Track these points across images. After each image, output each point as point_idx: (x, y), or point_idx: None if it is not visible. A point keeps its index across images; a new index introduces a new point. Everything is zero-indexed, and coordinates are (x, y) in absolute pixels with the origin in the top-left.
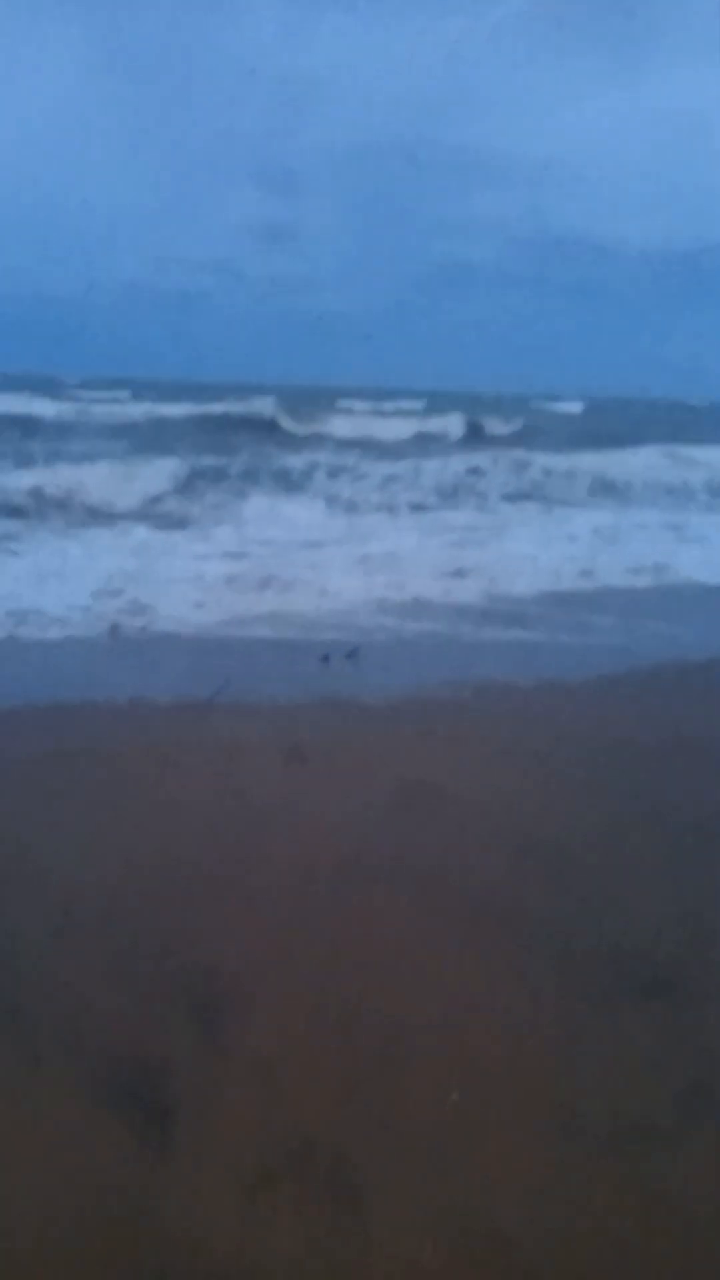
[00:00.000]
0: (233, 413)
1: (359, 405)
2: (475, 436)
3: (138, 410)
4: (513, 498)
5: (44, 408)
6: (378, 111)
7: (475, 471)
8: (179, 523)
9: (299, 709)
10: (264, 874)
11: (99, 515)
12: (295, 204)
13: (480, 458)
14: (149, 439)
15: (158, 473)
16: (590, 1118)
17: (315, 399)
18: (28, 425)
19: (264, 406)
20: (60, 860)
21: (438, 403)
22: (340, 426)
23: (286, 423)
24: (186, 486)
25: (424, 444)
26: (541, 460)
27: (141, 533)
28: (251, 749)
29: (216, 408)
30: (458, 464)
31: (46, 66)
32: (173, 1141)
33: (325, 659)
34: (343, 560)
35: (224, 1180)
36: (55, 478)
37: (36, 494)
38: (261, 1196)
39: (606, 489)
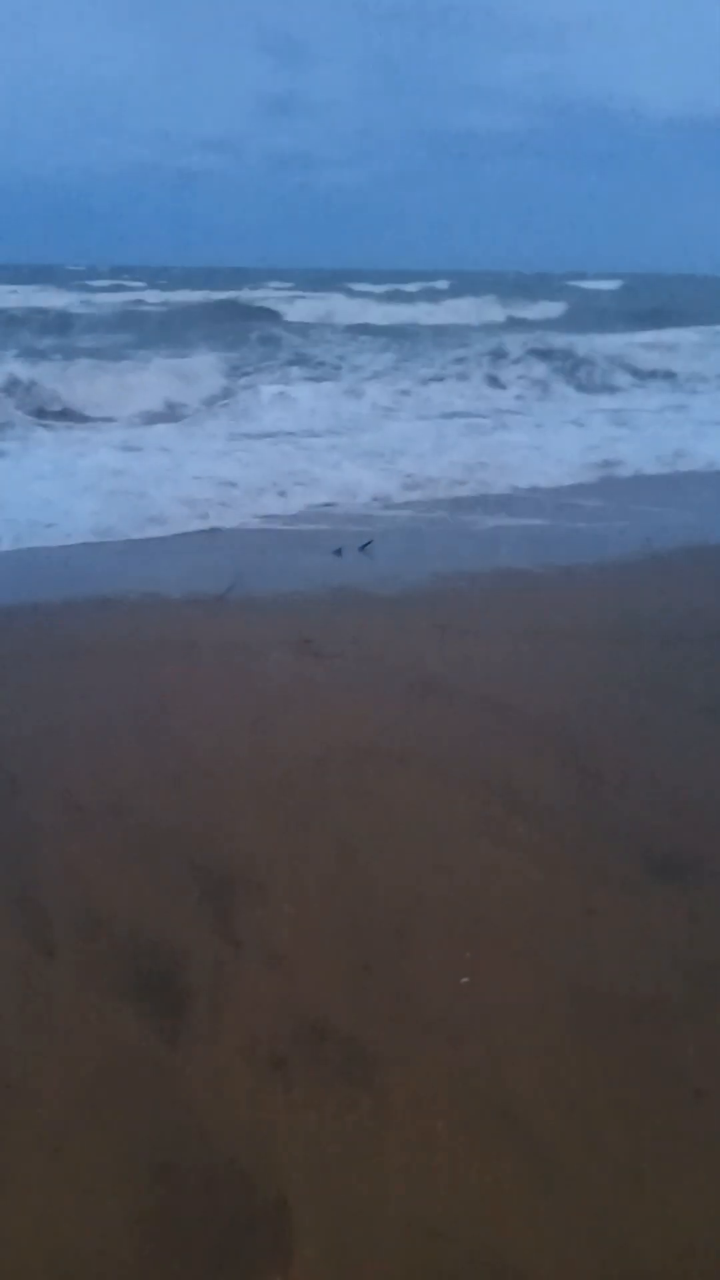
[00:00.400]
0: (241, 301)
1: (376, 289)
2: (511, 320)
3: (144, 299)
4: (547, 383)
5: (54, 299)
6: None
7: (506, 356)
8: (190, 418)
9: (311, 602)
10: (277, 764)
11: (87, 420)
12: (302, 72)
13: (514, 340)
14: (160, 333)
15: (160, 373)
16: (604, 994)
17: (328, 282)
18: (43, 319)
19: (272, 295)
20: (74, 753)
21: (465, 283)
22: (356, 311)
23: (297, 312)
24: (194, 381)
25: (458, 330)
26: (581, 343)
27: (150, 432)
28: (264, 642)
29: (222, 295)
30: (490, 347)
31: None
32: (186, 1026)
33: (338, 552)
34: (357, 452)
35: (237, 1062)
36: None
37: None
38: (275, 1076)
39: (653, 372)
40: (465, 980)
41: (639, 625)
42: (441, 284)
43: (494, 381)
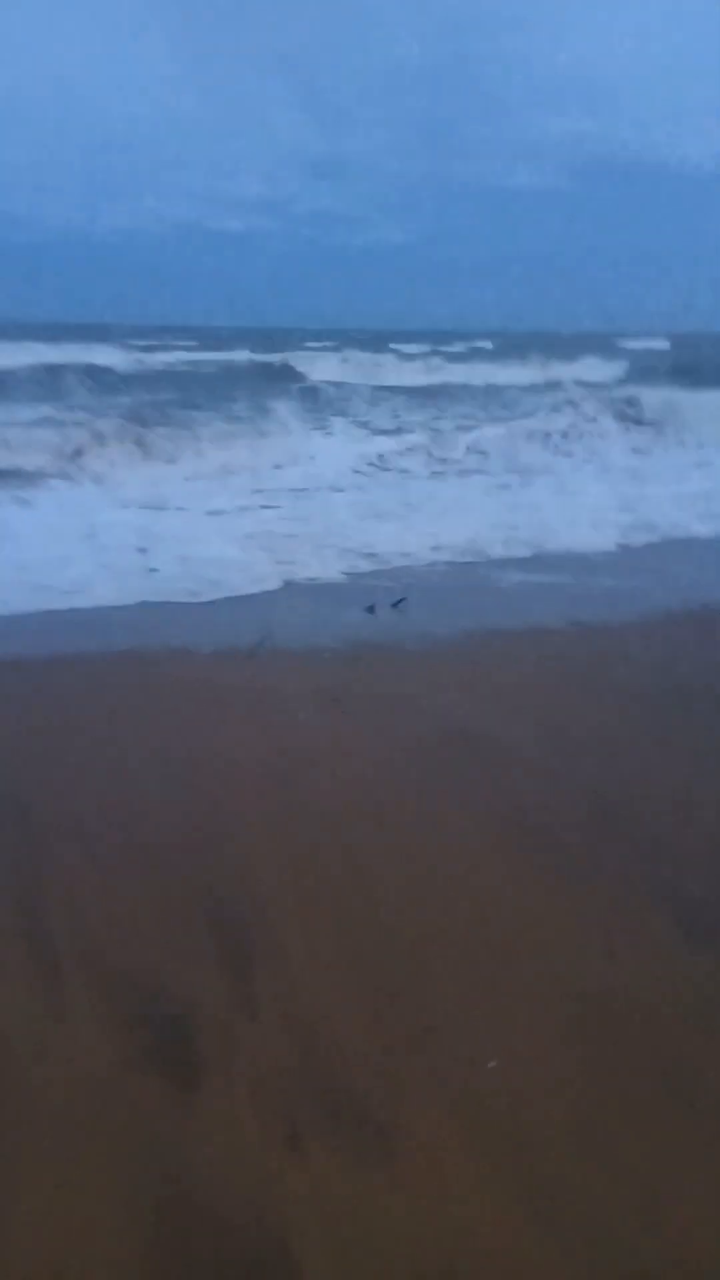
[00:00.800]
0: (282, 362)
1: (419, 349)
2: (558, 380)
3: (187, 359)
4: (594, 443)
5: (109, 357)
6: (429, 30)
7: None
8: (222, 477)
9: (341, 659)
10: (301, 818)
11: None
12: (344, 133)
13: (585, 401)
14: (199, 392)
15: (196, 434)
16: (635, 1069)
17: (372, 342)
18: (96, 374)
19: (315, 355)
20: (98, 806)
21: (511, 343)
22: (402, 372)
23: (340, 371)
24: (229, 442)
25: (507, 390)
26: (650, 398)
27: (182, 490)
28: (293, 696)
29: (265, 356)
30: (535, 407)
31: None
32: (199, 1094)
33: (371, 609)
34: (392, 511)
35: (251, 1133)
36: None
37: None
38: (289, 1149)
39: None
40: (493, 1065)
41: (668, 682)
42: (485, 344)
43: (542, 441)
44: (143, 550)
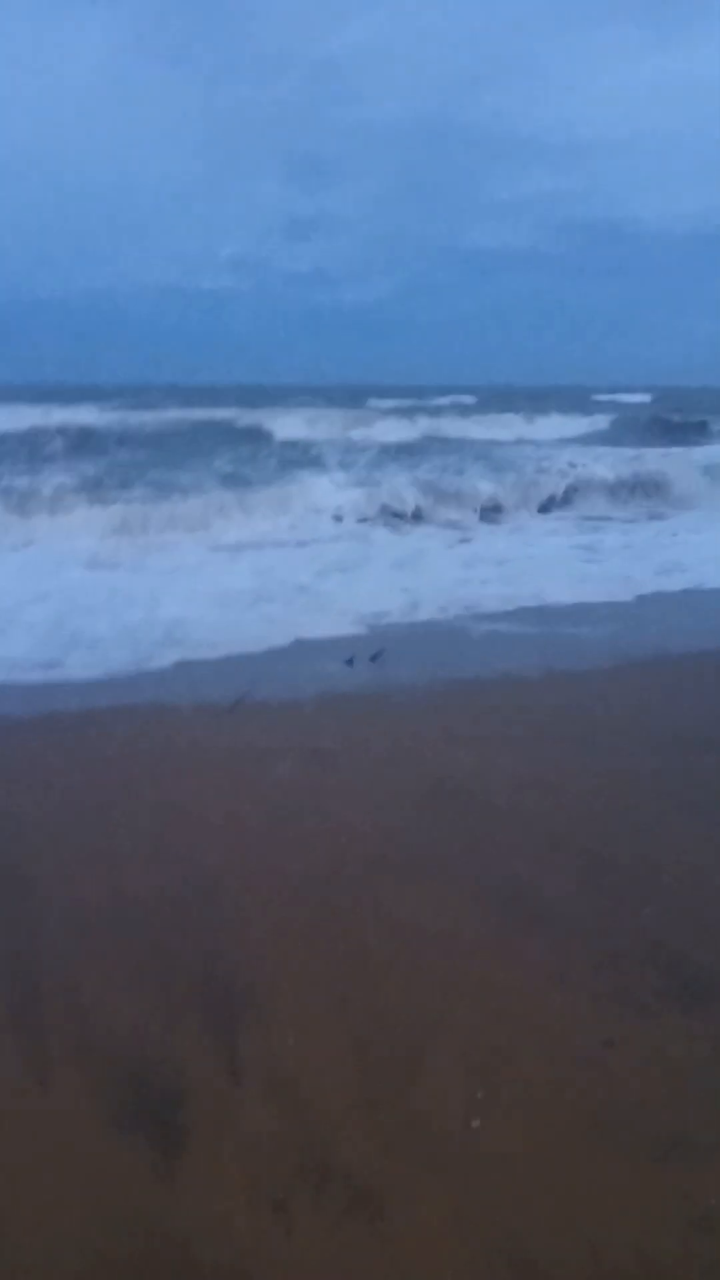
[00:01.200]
0: (257, 422)
1: (401, 403)
2: (537, 439)
3: (167, 418)
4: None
5: (92, 416)
6: (406, 93)
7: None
8: (198, 535)
9: (322, 712)
10: (285, 878)
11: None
12: (323, 193)
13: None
14: (178, 452)
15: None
16: (624, 1132)
17: (351, 399)
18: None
19: (294, 412)
20: (79, 867)
21: (492, 398)
22: (383, 428)
23: (319, 429)
24: (200, 496)
25: (491, 445)
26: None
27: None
28: (275, 752)
29: (246, 413)
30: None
31: (74, 58)
32: (185, 1162)
33: (350, 662)
34: (371, 567)
35: (237, 1202)
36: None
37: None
38: (276, 1218)
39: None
40: (476, 1124)
41: (654, 730)
42: (468, 398)
43: (519, 499)
44: (92, 611)
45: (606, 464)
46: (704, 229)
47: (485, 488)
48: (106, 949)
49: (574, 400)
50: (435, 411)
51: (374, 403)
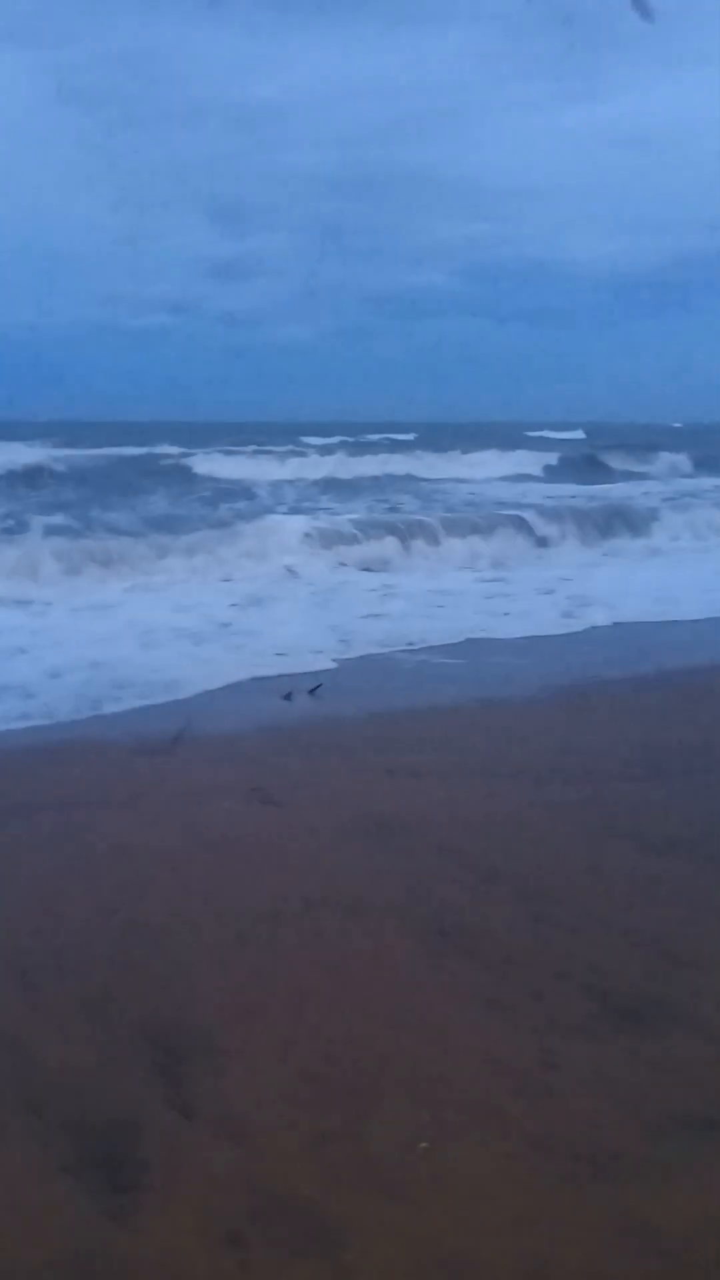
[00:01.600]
0: (190, 462)
1: (349, 439)
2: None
3: (91, 454)
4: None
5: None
6: (329, 141)
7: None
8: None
9: (261, 748)
10: (229, 918)
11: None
12: (250, 237)
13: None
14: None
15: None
16: (566, 1151)
17: (281, 436)
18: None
19: (228, 451)
20: (18, 912)
21: (431, 433)
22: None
23: (252, 468)
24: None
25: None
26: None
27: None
28: (214, 789)
29: (193, 459)
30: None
31: None
32: (138, 1203)
33: (288, 697)
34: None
35: (191, 1240)
36: None
37: None
38: (231, 1253)
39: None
40: (424, 1146)
41: (587, 763)
42: (407, 436)
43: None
44: (23, 650)
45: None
46: (620, 271)
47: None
48: (50, 993)
49: (509, 436)
50: (371, 447)
51: (307, 439)
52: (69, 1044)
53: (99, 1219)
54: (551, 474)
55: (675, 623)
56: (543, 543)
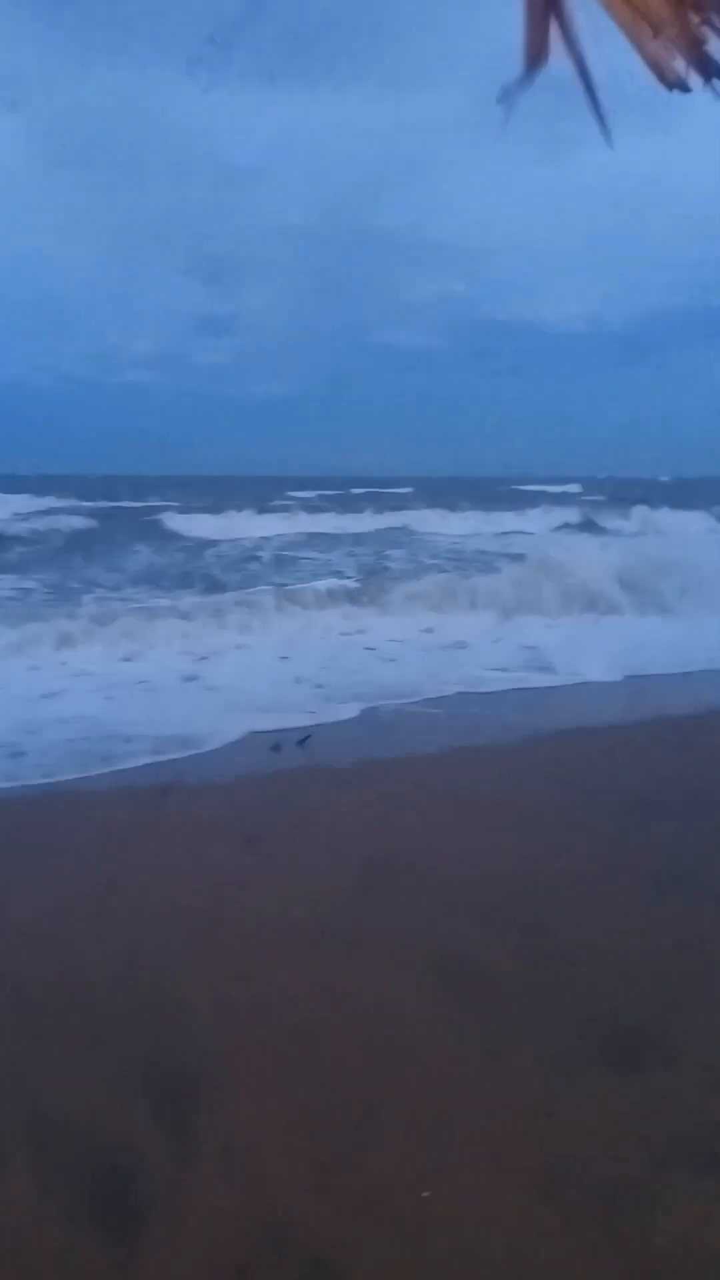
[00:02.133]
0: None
1: (314, 495)
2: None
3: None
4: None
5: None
6: (311, 199)
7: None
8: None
9: (253, 799)
10: (229, 955)
11: None
12: (236, 292)
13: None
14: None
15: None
16: (571, 1186)
17: (269, 492)
18: None
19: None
20: (22, 951)
21: (428, 489)
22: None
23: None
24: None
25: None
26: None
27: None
28: (209, 837)
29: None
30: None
31: None
32: (143, 1240)
33: (276, 748)
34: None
35: (201, 1273)
36: None
37: None
38: (238, 1277)
39: None
40: (427, 1195)
41: (585, 799)
42: (405, 489)
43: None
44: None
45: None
46: (596, 328)
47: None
48: (50, 1035)
49: (513, 493)
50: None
51: (294, 493)
52: (73, 1079)
53: (101, 1262)
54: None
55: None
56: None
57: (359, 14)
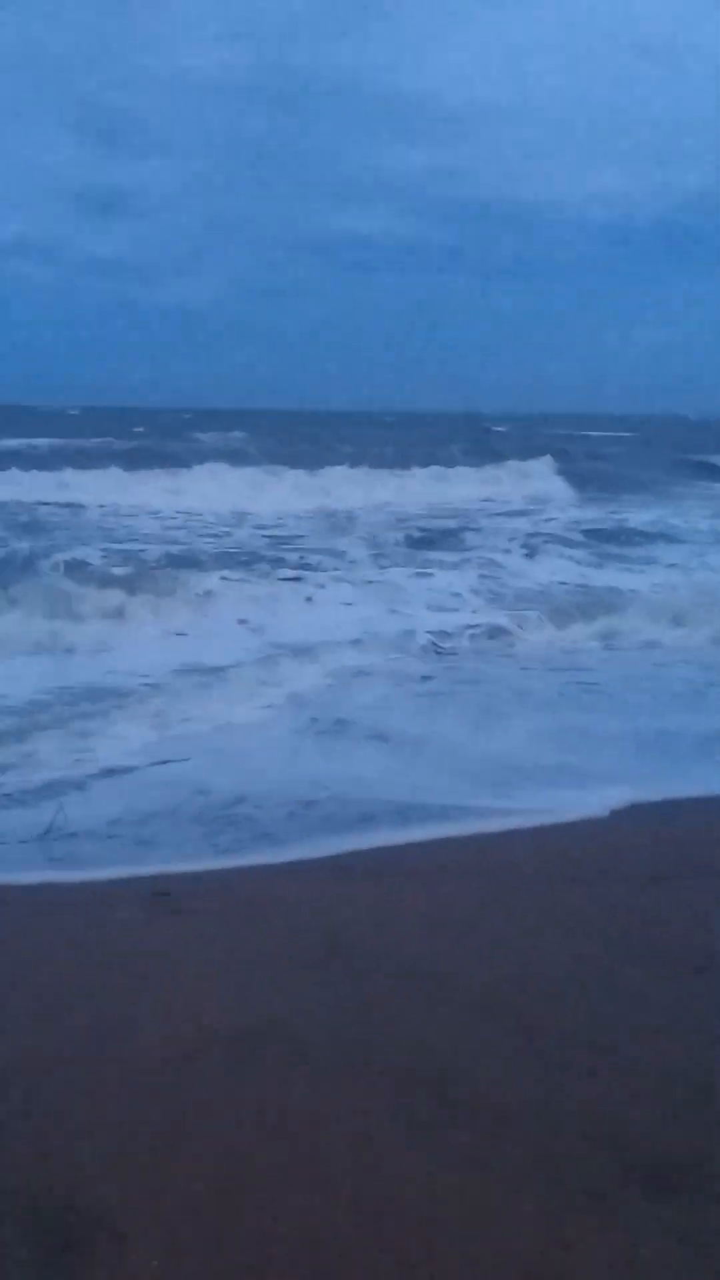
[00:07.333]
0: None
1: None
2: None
3: None
4: None
5: None
6: (233, 38)
7: None
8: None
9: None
10: (134, 1065)
11: None
12: (134, 161)
13: None
14: None
15: None
16: None
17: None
18: None
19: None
20: None
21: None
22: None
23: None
24: None
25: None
26: None
27: None
28: (106, 896)
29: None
30: None
31: None
32: None
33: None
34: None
35: None
36: None
37: None
38: None
39: None
40: None
41: (600, 859)
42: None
43: None
44: None
45: None
46: (623, 217)
47: None
48: None
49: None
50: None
51: (202, 436)
52: None
53: None
54: None
55: None
56: None
57: None
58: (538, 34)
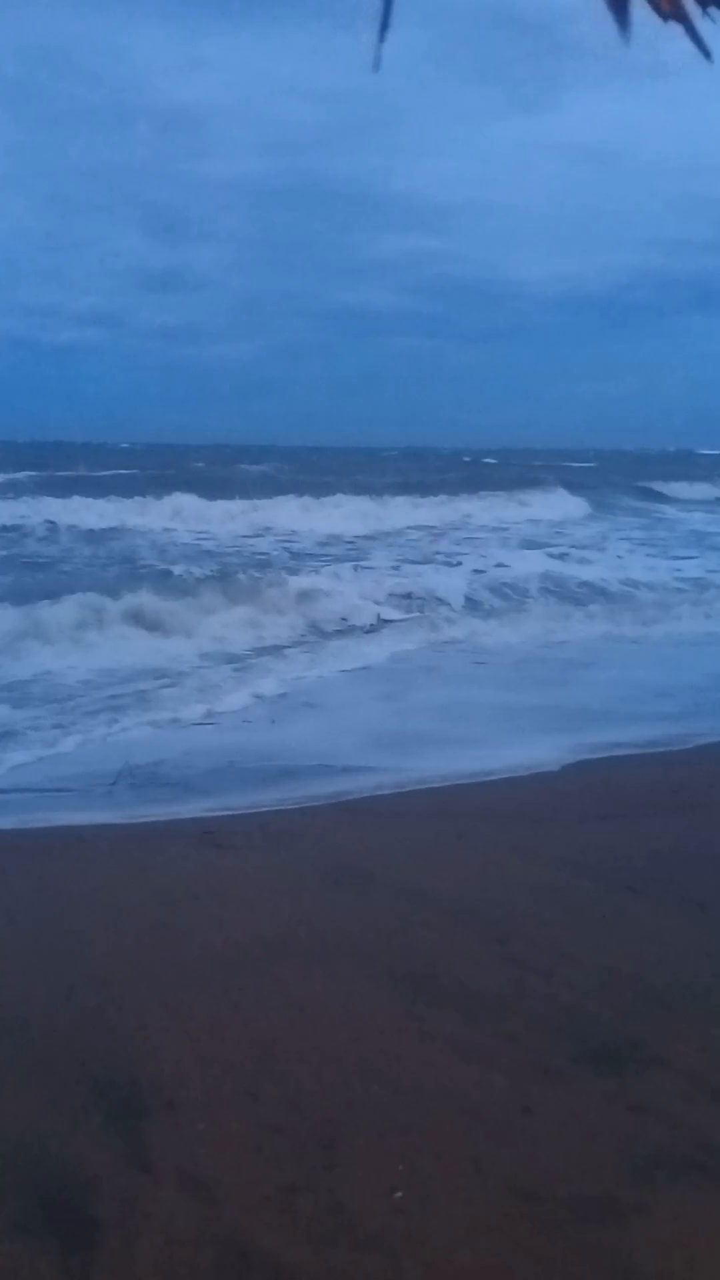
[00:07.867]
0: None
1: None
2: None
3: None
4: None
5: None
6: (262, 148)
7: None
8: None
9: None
10: (183, 966)
11: None
12: (183, 249)
13: None
14: None
15: None
16: (546, 1196)
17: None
18: None
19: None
20: None
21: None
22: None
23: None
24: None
25: None
26: None
27: None
28: (161, 835)
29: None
30: None
31: None
32: (98, 1262)
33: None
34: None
35: None
36: None
37: None
38: None
39: None
40: (399, 1195)
41: (553, 803)
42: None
43: None
44: None
45: None
46: (577, 292)
47: None
48: None
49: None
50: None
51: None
52: (19, 1101)
53: (55, 1276)
54: None
55: None
56: None
57: None
58: (506, 144)
